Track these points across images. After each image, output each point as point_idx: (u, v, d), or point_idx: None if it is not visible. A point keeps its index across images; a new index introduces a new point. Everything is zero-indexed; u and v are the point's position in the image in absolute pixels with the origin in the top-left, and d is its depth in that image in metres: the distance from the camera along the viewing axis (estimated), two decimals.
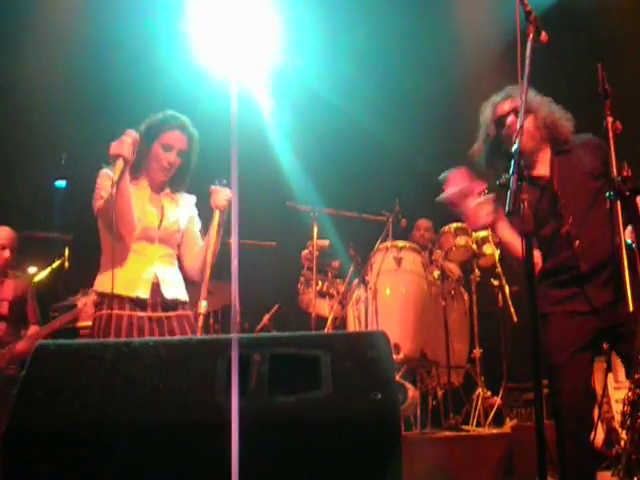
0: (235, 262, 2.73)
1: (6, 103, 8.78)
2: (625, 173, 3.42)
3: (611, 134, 3.61)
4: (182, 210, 4.97)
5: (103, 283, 4.63)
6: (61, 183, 9.36)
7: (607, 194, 3.46)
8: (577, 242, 4.11)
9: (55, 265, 6.98)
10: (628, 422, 3.85)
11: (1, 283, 6.95)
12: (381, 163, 9.16)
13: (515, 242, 4.17)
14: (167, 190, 4.96)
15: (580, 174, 4.24)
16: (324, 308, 7.62)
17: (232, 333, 2.46)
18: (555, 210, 4.16)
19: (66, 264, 7.70)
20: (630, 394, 3.87)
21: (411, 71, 9.16)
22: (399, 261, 7.27)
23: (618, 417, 4.03)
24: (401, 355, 6.79)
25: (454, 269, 7.85)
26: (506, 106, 4.46)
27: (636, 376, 3.89)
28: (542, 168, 4.39)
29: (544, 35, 3.62)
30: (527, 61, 3.46)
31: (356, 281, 7.46)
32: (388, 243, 7.42)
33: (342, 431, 2.36)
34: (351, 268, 7.67)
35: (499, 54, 8.22)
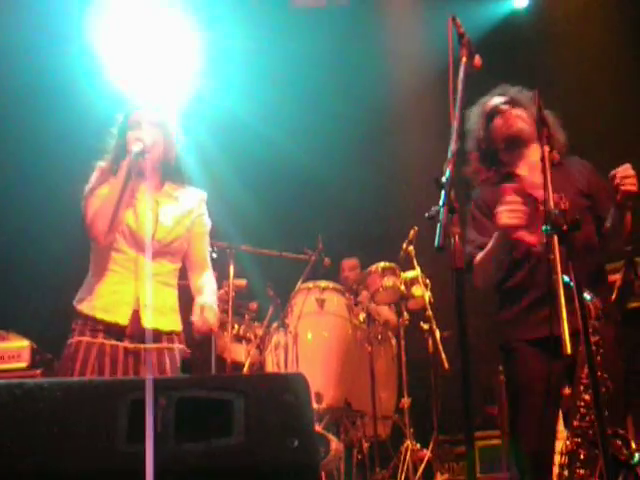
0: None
1: None
2: (563, 206, 3.45)
3: (547, 164, 3.65)
4: (182, 208, 4.66)
5: (82, 299, 4.40)
6: None
7: (543, 228, 3.48)
8: (532, 262, 4.18)
9: None
10: (566, 473, 3.87)
11: None
12: (305, 196, 9.17)
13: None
14: (166, 186, 4.69)
15: (571, 189, 4.33)
16: (240, 353, 7.58)
17: (147, 375, 2.44)
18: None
19: None
20: (568, 443, 3.89)
21: (340, 99, 9.23)
22: (322, 303, 7.26)
23: (556, 470, 4.03)
24: (324, 404, 6.76)
25: (382, 311, 7.85)
26: (497, 99, 4.64)
27: (575, 423, 3.92)
28: (524, 168, 4.48)
29: (477, 59, 3.65)
30: (460, 86, 3.49)
31: (275, 324, 7.43)
32: (310, 284, 7.41)
33: None
34: (270, 310, 7.65)
35: (432, 79, 8.31)
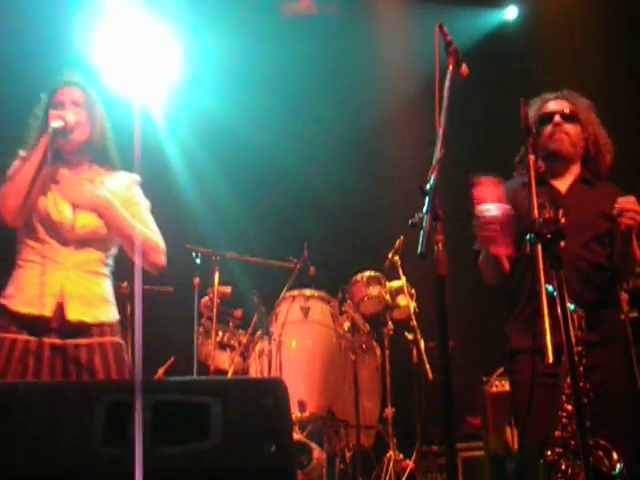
0: (138, 309, 2.69)
1: None
2: (547, 215, 3.45)
3: (532, 173, 3.65)
4: (108, 193, 4.36)
5: (6, 294, 4.20)
6: None
7: (527, 237, 3.48)
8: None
9: None
10: None
11: None
12: (291, 203, 9.16)
13: None
14: (90, 171, 4.45)
15: (593, 210, 4.42)
16: (224, 361, 7.55)
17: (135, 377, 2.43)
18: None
19: None
20: (549, 453, 3.89)
21: (329, 105, 9.23)
22: (306, 311, 7.26)
23: None
24: (307, 413, 6.75)
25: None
26: (556, 105, 4.59)
27: (557, 433, 3.92)
28: (562, 184, 4.50)
29: (464, 68, 3.66)
30: (445, 94, 3.49)
31: (260, 332, 7.40)
32: (295, 291, 7.41)
33: None
34: (255, 318, 7.62)
35: (420, 86, 8.31)
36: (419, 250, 3.05)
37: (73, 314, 4.15)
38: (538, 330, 3.61)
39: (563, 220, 3.48)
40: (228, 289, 7.51)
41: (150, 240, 4.43)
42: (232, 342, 7.66)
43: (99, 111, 4.52)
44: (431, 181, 3.24)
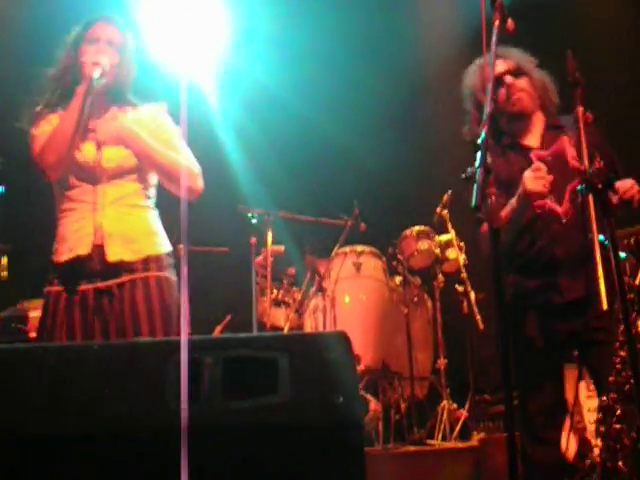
0: (185, 269, 2.71)
1: None
2: (597, 165, 3.44)
3: (582, 124, 3.63)
4: (132, 125, 4.13)
5: (53, 249, 4.02)
6: None
7: (579, 187, 3.47)
8: (555, 226, 4.15)
9: None
10: (602, 429, 3.86)
11: None
12: (339, 165, 9.14)
13: None
14: (113, 108, 4.21)
15: (570, 155, 4.30)
16: (279, 318, 7.60)
17: (182, 335, 2.43)
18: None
19: (4, 274, 7.59)
20: (604, 399, 3.89)
21: (372, 70, 9.16)
22: (359, 266, 7.29)
23: (591, 427, 4.03)
24: (362, 366, 6.80)
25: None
26: (501, 66, 4.48)
27: (611, 379, 3.91)
28: (532, 139, 4.46)
29: (510, 23, 3.62)
30: (493, 49, 3.47)
31: (313, 288, 7.44)
32: (347, 248, 7.44)
33: (301, 437, 2.34)
34: (307, 275, 7.66)
35: (463, 45, 8.24)
36: (473, 203, 3.04)
37: (113, 255, 3.93)
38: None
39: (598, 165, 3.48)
40: (281, 248, 7.55)
41: (182, 166, 4.12)
42: (287, 299, 7.72)
43: (130, 56, 4.28)
44: (482, 135, 3.23)
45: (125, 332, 3.88)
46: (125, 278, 3.93)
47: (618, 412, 3.91)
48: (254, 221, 7.43)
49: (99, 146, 4.06)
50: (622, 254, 3.76)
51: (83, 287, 3.91)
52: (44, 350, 2.65)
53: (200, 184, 4.18)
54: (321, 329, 6.99)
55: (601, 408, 3.92)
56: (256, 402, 2.37)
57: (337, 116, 8.83)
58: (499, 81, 4.43)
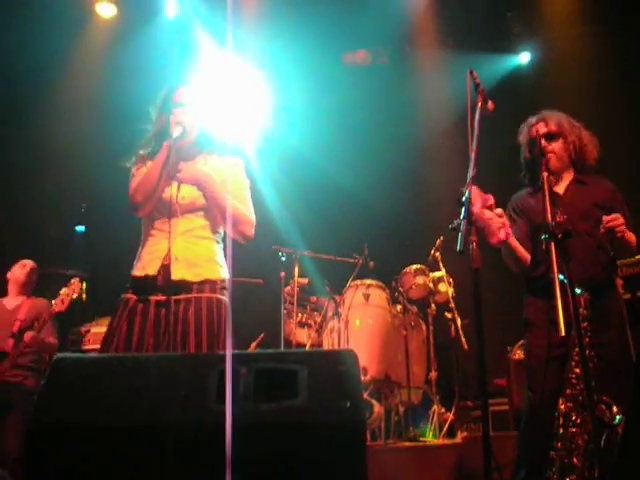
0: (229, 296, 2.72)
1: (34, 159, 8.82)
2: (558, 219, 3.44)
3: (546, 186, 3.64)
4: (211, 171, 4.07)
5: (133, 267, 3.99)
6: (81, 228, 9.36)
7: (542, 237, 3.47)
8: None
9: (74, 297, 6.87)
10: (561, 431, 3.85)
11: (20, 304, 6.88)
12: (355, 213, 9.17)
13: (519, 248, 4.32)
14: (202, 155, 4.19)
15: (589, 202, 4.36)
16: (303, 336, 7.60)
17: (227, 351, 2.45)
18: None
19: (83, 297, 7.63)
20: (563, 407, 3.87)
21: (382, 136, 9.24)
22: (367, 297, 7.29)
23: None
24: (368, 377, 6.78)
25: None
26: (540, 129, 4.50)
27: (568, 391, 3.90)
28: (561, 187, 4.46)
29: (490, 104, 3.65)
30: (476, 125, 3.49)
31: (331, 314, 7.44)
32: (358, 281, 7.45)
33: (316, 434, 2.35)
34: (326, 303, 7.66)
35: (454, 121, 8.28)
36: (458, 248, 3.06)
37: (177, 274, 3.85)
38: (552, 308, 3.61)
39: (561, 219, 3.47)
40: (306, 280, 7.58)
41: (240, 212, 4.05)
42: (309, 321, 7.71)
43: (211, 105, 4.27)
44: (466, 194, 3.25)
45: (175, 341, 3.82)
46: (182, 296, 3.85)
47: (574, 418, 3.89)
48: (284, 258, 7.49)
49: (179, 184, 4.02)
50: (577, 290, 3.73)
51: (147, 298, 3.86)
52: (112, 360, 2.68)
53: (252, 232, 4.10)
54: (336, 346, 6.98)
55: (560, 415, 3.91)
56: (280, 405, 2.38)
57: (354, 172, 8.89)
58: (537, 141, 4.37)
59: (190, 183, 4.03)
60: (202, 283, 3.90)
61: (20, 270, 7.07)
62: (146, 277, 3.87)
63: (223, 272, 4.04)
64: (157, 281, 3.86)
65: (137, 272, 3.93)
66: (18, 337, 6.51)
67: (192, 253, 3.93)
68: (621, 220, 4.09)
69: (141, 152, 4.18)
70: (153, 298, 3.85)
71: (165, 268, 3.86)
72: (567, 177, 4.51)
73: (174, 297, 3.85)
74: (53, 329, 6.81)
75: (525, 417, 4.26)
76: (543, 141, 4.40)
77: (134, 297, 3.87)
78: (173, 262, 3.86)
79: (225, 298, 3.99)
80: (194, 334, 3.83)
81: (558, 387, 4.04)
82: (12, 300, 6.96)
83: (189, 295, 3.87)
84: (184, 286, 3.87)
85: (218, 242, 4.11)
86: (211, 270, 3.97)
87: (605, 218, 4.11)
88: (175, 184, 4.03)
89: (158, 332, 3.83)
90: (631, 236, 4.24)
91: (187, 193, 4.00)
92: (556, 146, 4.46)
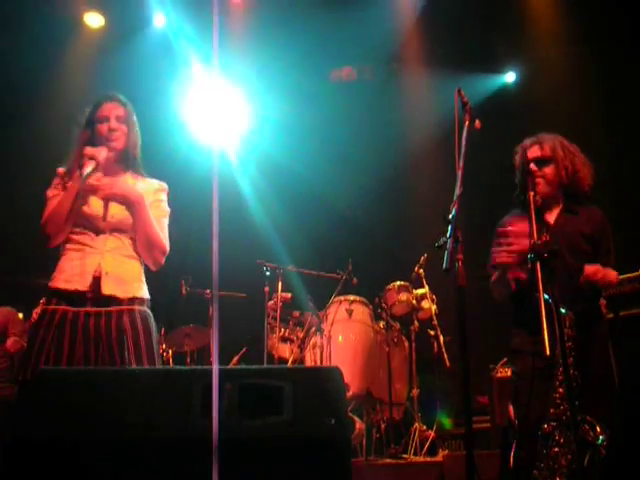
0: (214, 309, 2.71)
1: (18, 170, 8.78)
2: (544, 239, 3.44)
3: (532, 206, 3.65)
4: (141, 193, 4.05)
5: (51, 277, 3.92)
6: None
7: (528, 256, 3.47)
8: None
9: None
10: (544, 451, 3.84)
11: None
12: (339, 228, 9.17)
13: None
14: (128, 174, 4.14)
15: (576, 232, 4.30)
16: (285, 351, 7.59)
17: (213, 365, 2.44)
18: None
19: None
20: (546, 427, 3.86)
21: (367, 152, 9.25)
22: (350, 312, 7.28)
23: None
24: (350, 393, 6.75)
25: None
26: (533, 153, 4.45)
27: (551, 411, 3.88)
28: (551, 216, 4.40)
29: (477, 122, 3.66)
30: (463, 142, 3.50)
31: (313, 329, 7.42)
32: (341, 297, 7.44)
33: (301, 450, 2.34)
34: (309, 317, 7.64)
35: (441, 138, 8.29)
36: (444, 266, 3.06)
37: (107, 289, 3.84)
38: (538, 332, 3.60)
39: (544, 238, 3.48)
40: (289, 295, 7.56)
41: (159, 238, 4.05)
42: (292, 336, 7.69)
43: (135, 125, 4.17)
44: (453, 212, 3.25)
45: (111, 348, 3.78)
46: (113, 308, 3.85)
47: (557, 437, 3.88)
48: (268, 273, 7.48)
49: (106, 203, 3.97)
50: (562, 310, 3.73)
51: (77, 309, 3.81)
52: (94, 373, 2.66)
53: (163, 260, 4.11)
54: (319, 362, 6.95)
55: (543, 434, 3.90)
56: (265, 421, 2.37)
57: (339, 188, 8.92)
58: (526, 168, 4.36)
59: (119, 200, 3.99)
60: (132, 300, 3.92)
61: None
62: (76, 291, 3.83)
63: (146, 292, 4.06)
64: (86, 294, 3.84)
65: (62, 285, 3.87)
66: None
67: (121, 270, 3.94)
68: (600, 275, 4.12)
69: (60, 170, 4.10)
70: (82, 309, 3.82)
71: (95, 281, 3.84)
72: (558, 206, 4.46)
73: (105, 309, 3.84)
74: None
75: (509, 436, 4.24)
76: (532, 165, 4.38)
77: (61, 307, 3.83)
78: (104, 276, 3.86)
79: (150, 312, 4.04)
80: (132, 340, 3.83)
81: (543, 406, 4.03)
82: None
83: (121, 307, 3.88)
84: (114, 300, 3.87)
85: (141, 263, 4.11)
86: (138, 288, 4.00)
87: (586, 271, 4.10)
88: (100, 202, 3.98)
89: (89, 341, 3.78)
90: (611, 276, 4.23)
91: (116, 212, 3.98)
92: (547, 171, 4.39)
